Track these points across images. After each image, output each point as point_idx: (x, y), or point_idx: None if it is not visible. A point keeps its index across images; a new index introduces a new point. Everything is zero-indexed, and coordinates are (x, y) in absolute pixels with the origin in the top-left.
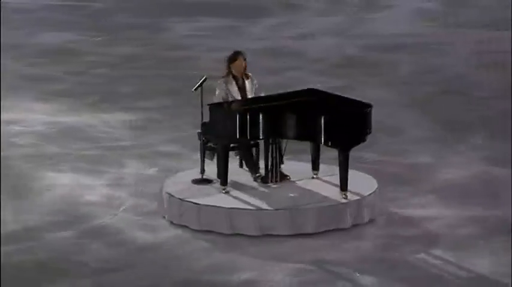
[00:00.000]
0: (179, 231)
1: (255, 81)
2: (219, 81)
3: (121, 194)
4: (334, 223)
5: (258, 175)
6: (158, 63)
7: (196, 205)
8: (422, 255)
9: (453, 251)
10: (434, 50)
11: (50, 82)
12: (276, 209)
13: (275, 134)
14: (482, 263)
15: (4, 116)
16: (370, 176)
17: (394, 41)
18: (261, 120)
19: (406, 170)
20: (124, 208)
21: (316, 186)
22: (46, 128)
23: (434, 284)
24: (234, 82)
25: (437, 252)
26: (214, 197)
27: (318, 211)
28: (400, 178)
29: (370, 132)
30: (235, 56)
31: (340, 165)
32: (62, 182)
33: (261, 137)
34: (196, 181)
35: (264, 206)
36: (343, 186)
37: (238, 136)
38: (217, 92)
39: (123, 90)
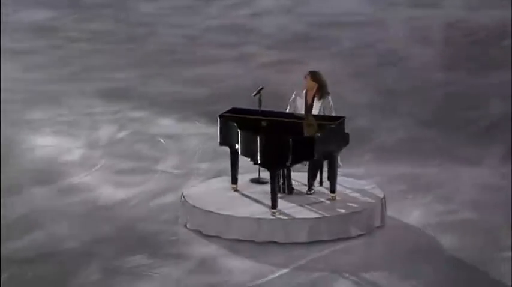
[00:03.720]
0: (145, 187)
1: (329, 101)
2: (293, 95)
3: (95, 155)
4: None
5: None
6: (126, 38)
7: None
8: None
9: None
10: (371, 27)
11: (32, 55)
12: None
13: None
14: (409, 214)
15: None
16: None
17: (337, 19)
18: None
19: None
20: (97, 167)
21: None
22: (28, 95)
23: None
24: (304, 98)
25: None
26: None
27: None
28: None
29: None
30: (306, 76)
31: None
32: (41, 144)
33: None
34: (254, 180)
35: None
36: (273, 203)
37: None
38: (288, 106)
39: (96, 62)
